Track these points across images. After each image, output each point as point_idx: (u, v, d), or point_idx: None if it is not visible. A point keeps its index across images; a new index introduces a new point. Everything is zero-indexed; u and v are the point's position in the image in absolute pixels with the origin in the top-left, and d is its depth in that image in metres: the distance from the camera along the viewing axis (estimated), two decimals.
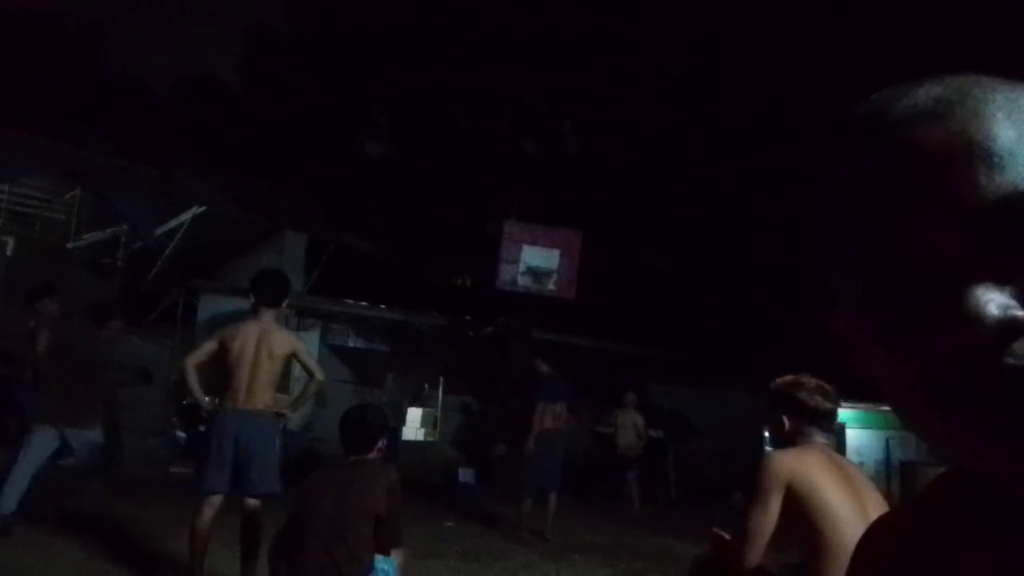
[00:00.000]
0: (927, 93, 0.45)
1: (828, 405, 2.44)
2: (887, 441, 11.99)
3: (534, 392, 7.51)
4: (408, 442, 11.71)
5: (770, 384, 2.57)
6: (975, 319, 0.39)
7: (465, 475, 9.34)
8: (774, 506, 2.20)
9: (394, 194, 11.20)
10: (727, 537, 2.41)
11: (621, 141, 9.89)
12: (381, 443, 3.40)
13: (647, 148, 9.81)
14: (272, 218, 11.42)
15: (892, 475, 10.10)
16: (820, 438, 2.41)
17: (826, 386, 2.49)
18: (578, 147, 10.19)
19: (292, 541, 3.14)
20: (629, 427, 9.20)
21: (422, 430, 11.83)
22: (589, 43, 8.15)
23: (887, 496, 2.48)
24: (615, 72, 8.76)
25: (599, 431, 9.77)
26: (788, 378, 2.57)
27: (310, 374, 4.55)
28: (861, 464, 3.82)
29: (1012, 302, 0.40)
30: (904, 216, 0.42)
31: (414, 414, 12.08)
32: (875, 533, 0.63)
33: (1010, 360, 0.39)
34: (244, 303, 11.52)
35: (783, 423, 2.47)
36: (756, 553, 2.20)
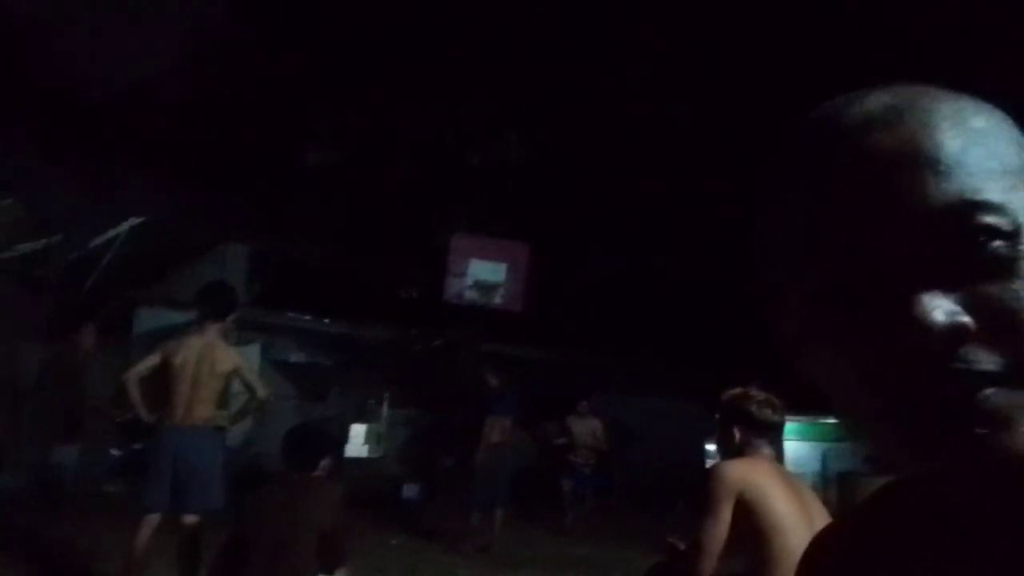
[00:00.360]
0: (878, 101, 0.45)
1: (776, 418, 2.51)
2: (824, 453, 12.26)
3: (483, 405, 7.49)
4: (352, 459, 11.54)
5: (721, 396, 2.63)
6: (922, 324, 0.40)
7: (410, 491, 9.26)
8: (725, 515, 2.24)
9: (339, 205, 11.07)
10: (682, 547, 2.44)
11: (567, 152, 9.97)
12: (326, 461, 3.35)
13: (593, 159, 9.90)
14: (213, 228, 11.17)
15: (829, 485, 10.33)
16: (767, 450, 2.48)
17: (774, 399, 2.56)
18: (524, 158, 10.23)
19: (234, 558, 3.06)
20: (586, 436, 9.03)
21: (366, 446, 11.69)
22: (534, 52, 8.20)
23: (824, 506, 2.55)
24: (560, 82, 8.83)
25: (556, 444, 9.53)
26: (738, 391, 2.64)
27: (252, 391, 4.47)
28: (799, 475, 3.92)
29: (958, 308, 0.40)
30: (854, 221, 0.43)
31: (358, 430, 11.93)
32: (820, 543, 0.64)
33: (956, 365, 0.40)
34: (183, 316, 11.24)
35: (733, 435, 2.53)
36: (710, 563, 2.23)
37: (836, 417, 0.48)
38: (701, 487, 2.37)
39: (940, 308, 0.40)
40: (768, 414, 2.51)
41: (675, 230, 10.65)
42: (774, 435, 2.53)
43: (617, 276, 11.84)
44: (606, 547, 7.31)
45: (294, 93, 9.37)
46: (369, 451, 11.81)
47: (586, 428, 9.06)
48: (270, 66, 8.40)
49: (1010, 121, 0.46)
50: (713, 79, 7.95)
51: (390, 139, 10.09)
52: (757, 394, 2.61)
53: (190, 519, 4.02)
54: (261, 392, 4.47)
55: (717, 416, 2.62)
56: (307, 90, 9.16)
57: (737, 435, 2.54)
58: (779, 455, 2.62)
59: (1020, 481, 0.44)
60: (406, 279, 12.15)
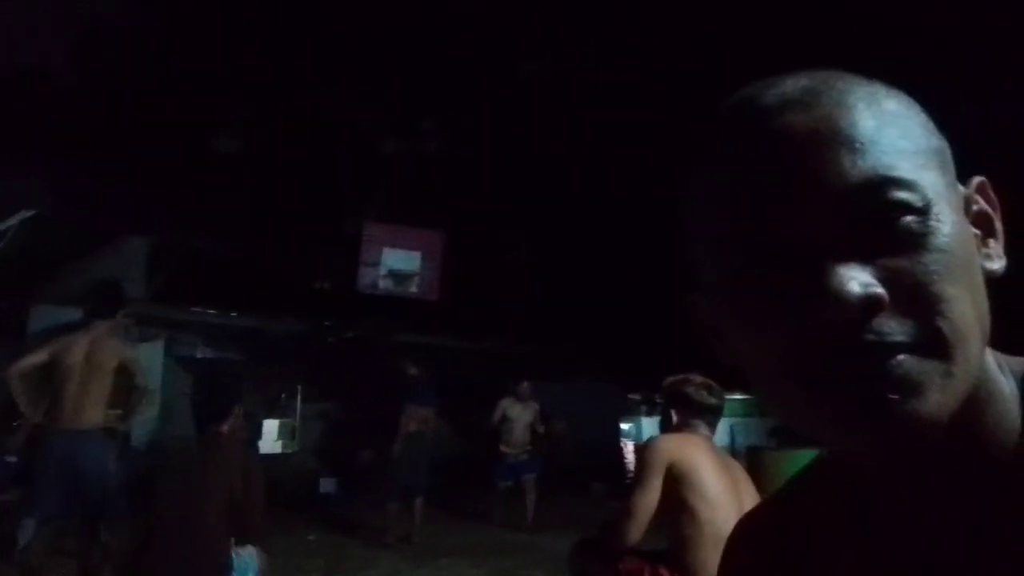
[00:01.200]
0: (795, 84, 0.47)
1: (713, 401, 2.62)
2: (731, 428, 12.75)
3: (400, 396, 7.45)
4: (266, 455, 11.26)
5: (663, 382, 2.75)
6: (838, 296, 0.41)
7: (327, 485, 9.11)
8: (656, 485, 2.33)
9: (246, 193, 10.72)
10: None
11: (482, 140, 9.94)
12: (237, 409, 3.24)
13: (507, 146, 9.91)
14: (111, 220, 10.65)
15: (738, 459, 10.73)
16: (703, 430, 2.59)
17: (712, 384, 2.68)
18: (439, 146, 10.15)
19: (146, 531, 2.94)
20: (525, 420, 8.23)
21: (280, 441, 11.43)
22: (447, 38, 8.13)
23: None
24: (474, 69, 8.79)
25: (489, 430, 9.07)
26: (679, 377, 2.75)
27: (134, 384, 4.31)
28: None
29: (872, 280, 0.42)
30: (771, 198, 0.44)
31: (271, 426, 11.64)
32: (745, 524, 0.66)
33: (869, 336, 0.41)
34: (80, 314, 10.70)
35: (671, 417, 2.65)
36: (637, 531, 2.31)
37: (753, 395, 0.49)
38: (636, 458, 2.45)
39: (855, 280, 0.41)
40: (704, 396, 2.63)
41: (586, 217, 10.80)
42: (711, 417, 2.65)
43: (531, 263, 11.92)
44: (526, 531, 7.38)
45: (197, 77, 9.01)
46: (283, 447, 11.54)
47: (527, 412, 8.20)
48: (172, 49, 8.05)
49: (918, 107, 0.49)
50: (629, 69, 8.06)
51: (299, 125, 9.84)
52: (695, 378, 2.73)
53: (91, 530, 3.84)
54: (142, 383, 4.30)
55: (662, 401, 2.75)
56: (211, 74, 8.82)
57: (675, 417, 2.65)
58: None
59: (934, 452, 0.47)
60: (317, 270, 11.89)
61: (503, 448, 7.84)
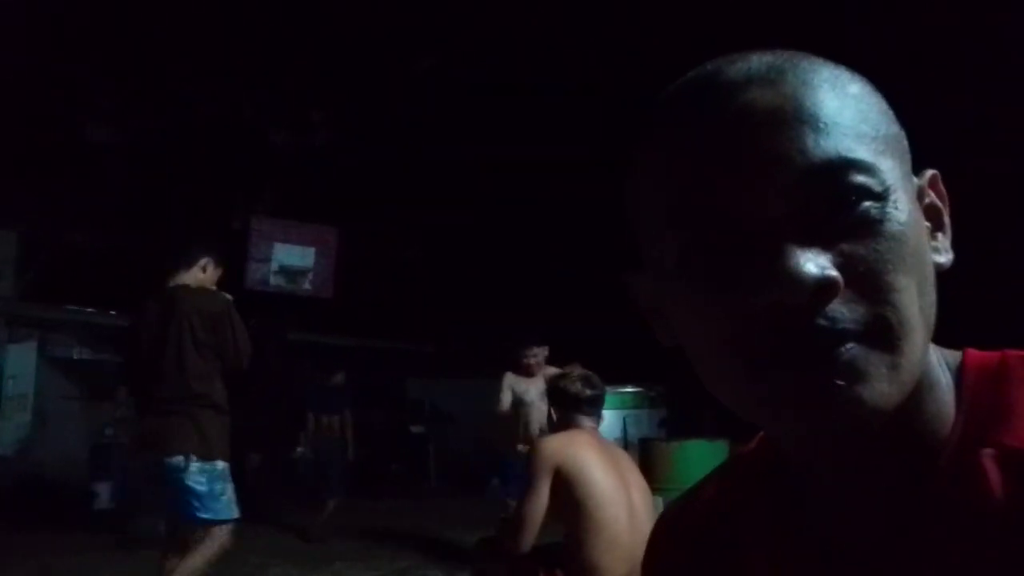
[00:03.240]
0: (760, 60, 0.46)
1: (589, 392, 2.63)
2: (624, 419, 13.07)
3: (304, 400, 7.29)
4: None
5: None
6: (791, 278, 0.40)
7: None
8: (544, 489, 2.33)
9: (125, 186, 10.17)
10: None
11: (375, 134, 9.80)
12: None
13: (399, 141, 9.81)
14: None
15: (630, 450, 11.01)
16: (587, 423, 2.60)
17: (591, 376, 2.69)
18: (330, 140, 9.92)
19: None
20: (536, 407, 6.96)
21: None
22: (337, 29, 7.96)
23: None
24: (364, 63, 8.66)
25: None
26: (557, 372, 2.76)
27: None
28: None
29: (827, 263, 0.41)
30: (729, 174, 0.43)
31: None
32: (669, 521, 0.65)
33: (820, 321, 0.41)
34: None
35: (552, 414, 2.67)
36: (529, 537, 2.31)
37: (699, 378, 0.48)
38: (525, 465, 2.45)
39: (812, 263, 0.40)
40: (580, 388, 2.61)
41: (479, 212, 10.83)
42: (591, 408, 2.64)
43: (425, 259, 11.86)
44: (424, 530, 7.34)
45: (69, 64, 8.49)
46: None
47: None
48: (41, 34, 7.53)
49: (880, 94, 0.48)
50: (523, 65, 8.11)
51: (182, 115, 9.41)
52: (573, 371, 2.74)
53: None
54: None
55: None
56: (83, 60, 8.32)
57: (556, 414, 2.66)
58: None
59: (877, 438, 0.46)
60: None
61: (520, 447, 5.49)
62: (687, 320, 0.46)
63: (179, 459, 3.12)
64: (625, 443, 11.91)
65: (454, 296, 12.03)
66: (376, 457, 9.04)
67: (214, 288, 3.41)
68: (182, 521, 3.18)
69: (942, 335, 0.50)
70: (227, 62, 8.37)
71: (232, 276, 10.65)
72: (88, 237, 10.68)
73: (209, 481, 3.15)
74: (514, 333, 5.36)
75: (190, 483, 3.10)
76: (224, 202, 10.31)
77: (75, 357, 11.13)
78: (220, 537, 3.19)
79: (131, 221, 10.51)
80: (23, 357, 10.58)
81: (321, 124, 9.77)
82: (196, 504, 3.12)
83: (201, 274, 3.42)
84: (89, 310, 10.81)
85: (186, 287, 3.35)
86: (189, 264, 3.39)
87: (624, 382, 12.86)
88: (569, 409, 2.62)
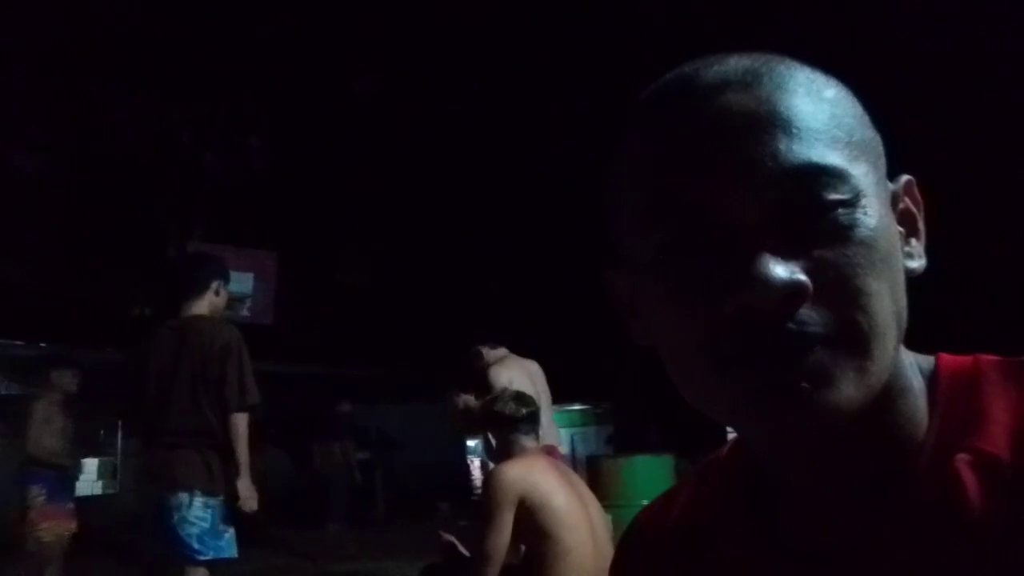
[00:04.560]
0: (737, 63, 0.46)
1: (524, 410, 2.58)
2: (572, 437, 13.11)
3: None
4: (85, 497, 10.32)
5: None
6: (762, 282, 0.40)
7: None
8: (507, 521, 2.25)
9: (56, 216, 9.84)
10: (458, 545, 2.44)
11: (312, 158, 9.70)
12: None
13: (339, 165, 9.73)
14: None
15: (578, 467, 11.04)
16: (528, 442, 2.55)
17: (522, 394, 2.65)
18: (268, 164, 9.78)
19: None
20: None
21: (99, 482, 10.53)
22: (270, 55, 7.87)
23: None
24: (301, 87, 8.59)
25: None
26: (487, 398, 2.70)
27: None
28: None
29: (797, 268, 0.41)
30: (703, 176, 0.43)
31: (89, 465, 10.71)
32: (635, 534, 0.64)
33: (791, 326, 0.41)
34: None
35: (490, 440, 2.59)
36: (494, 571, 2.24)
37: (670, 378, 0.48)
38: (482, 493, 2.38)
39: (782, 267, 0.41)
40: (513, 408, 2.57)
41: (419, 237, 10.80)
42: (527, 426, 2.59)
43: (367, 283, 11.74)
44: (372, 559, 7.21)
45: None
46: (104, 487, 10.64)
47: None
48: None
49: (855, 98, 0.48)
50: (460, 85, 8.13)
51: (114, 142, 9.16)
52: (503, 393, 2.70)
53: None
54: None
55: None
56: (10, 87, 8.05)
57: (494, 438, 2.60)
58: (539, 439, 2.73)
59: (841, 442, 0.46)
60: (136, 295, 11.12)
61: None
62: (659, 320, 0.47)
63: (184, 495, 3.02)
64: (573, 461, 11.94)
65: (397, 320, 11.93)
66: (320, 485, 8.86)
67: (224, 320, 3.32)
68: (178, 558, 3.04)
69: (916, 340, 0.50)
70: (161, 86, 8.20)
71: (167, 305, 10.40)
72: (13, 269, 10.30)
73: (212, 517, 3.05)
74: (459, 353, 5.24)
75: (192, 519, 3.00)
76: (159, 229, 10.07)
77: (2, 393, 10.69)
78: None
79: (62, 251, 10.18)
80: None
81: (259, 149, 9.62)
82: (196, 546, 3.01)
83: (215, 298, 3.30)
84: (17, 343, 10.41)
85: (199, 318, 3.23)
86: (201, 290, 3.27)
87: (571, 400, 12.94)
88: (507, 431, 2.57)
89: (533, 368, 4.26)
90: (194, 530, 3.01)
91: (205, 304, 3.27)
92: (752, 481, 0.55)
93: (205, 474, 3.06)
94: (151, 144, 9.26)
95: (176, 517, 3.01)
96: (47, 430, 4.72)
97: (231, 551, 3.14)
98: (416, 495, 10.24)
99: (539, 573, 2.26)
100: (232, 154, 9.64)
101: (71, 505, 4.86)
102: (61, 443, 4.81)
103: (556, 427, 4.57)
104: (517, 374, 3.99)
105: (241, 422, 3.09)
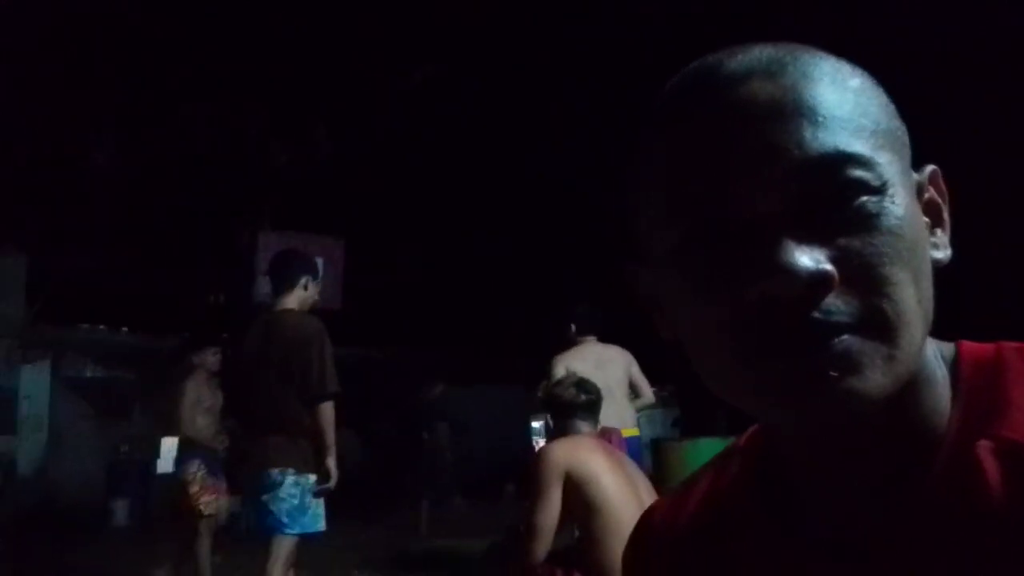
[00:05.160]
0: (761, 52, 0.46)
1: (584, 397, 2.62)
2: (637, 420, 13.04)
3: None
4: (165, 475, 10.75)
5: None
6: (787, 270, 0.40)
7: (236, 504, 8.80)
8: (555, 497, 2.31)
9: (131, 208, 10.23)
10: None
11: (375, 146, 9.83)
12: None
13: (400, 153, 9.84)
14: None
15: (643, 451, 11.00)
16: (585, 428, 2.59)
17: (585, 381, 2.68)
18: (332, 154, 9.97)
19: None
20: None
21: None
22: (339, 46, 7.99)
23: (640, 469, 2.70)
24: (363, 77, 8.70)
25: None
26: (552, 380, 2.75)
27: None
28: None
29: (823, 257, 0.41)
30: (730, 166, 0.43)
31: (169, 443, 11.14)
32: (652, 519, 0.64)
33: (816, 315, 0.41)
34: None
35: (549, 422, 2.65)
36: (544, 546, 2.29)
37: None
38: (530, 474, 2.42)
39: (807, 256, 0.41)
40: (573, 394, 2.61)
41: (485, 221, 10.84)
42: (587, 414, 2.62)
43: (432, 269, 11.87)
44: (441, 538, 7.36)
45: (69, 86, 8.55)
46: None
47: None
48: (42, 58, 7.59)
49: (880, 88, 0.48)
50: (521, 73, 8.13)
51: (186, 136, 9.47)
52: (567, 378, 2.73)
53: None
54: None
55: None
56: (83, 83, 8.38)
57: (552, 421, 2.65)
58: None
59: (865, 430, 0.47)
60: (211, 283, 11.48)
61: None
62: (683, 310, 0.47)
63: (276, 473, 3.27)
64: (639, 443, 11.88)
65: (463, 303, 12.05)
66: (392, 466, 9.08)
67: (310, 313, 3.50)
68: (269, 535, 3.30)
69: (941, 329, 0.50)
70: (229, 80, 8.42)
71: (241, 291, 10.74)
72: (96, 259, 10.76)
73: (302, 494, 3.28)
74: (527, 336, 5.39)
75: (284, 495, 3.25)
76: (229, 219, 10.37)
77: (88, 376, 11.20)
78: (292, 551, 3.32)
79: (138, 241, 10.57)
80: (37, 378, 10.64)
81: (324, 139, 9.80)
82: (285, 520, 3.25)
83: (303, 292, 3.50)
84: (101, 328, 10.87)
85: (286, 312, 3.44)
86: (292, 286, 3.47)
87: None
88: (564, 416, 2.61)
89: (609, 354, 4.31)
90: (285, 505, 3.24)
91: (295, 299, 3.46)
92: (771, 469, 0.54)
93: (296, 455, 3.28)
94: (221, 136, 9.53)
95: (270, 494, 3.25)
96: (198, 411, 5.00)
97: (318, 526, 3.35)
98: (483, 476, 10.36)
99: (591, 549, 2.29)
100: (297, 144, 9.85)
101: (224, 483, 5.13)
102: (211, 422, 5.09)
103: (632, 411, 4.59)
104: (579, 364, 3.99)
105: (325, 409, 3.28)
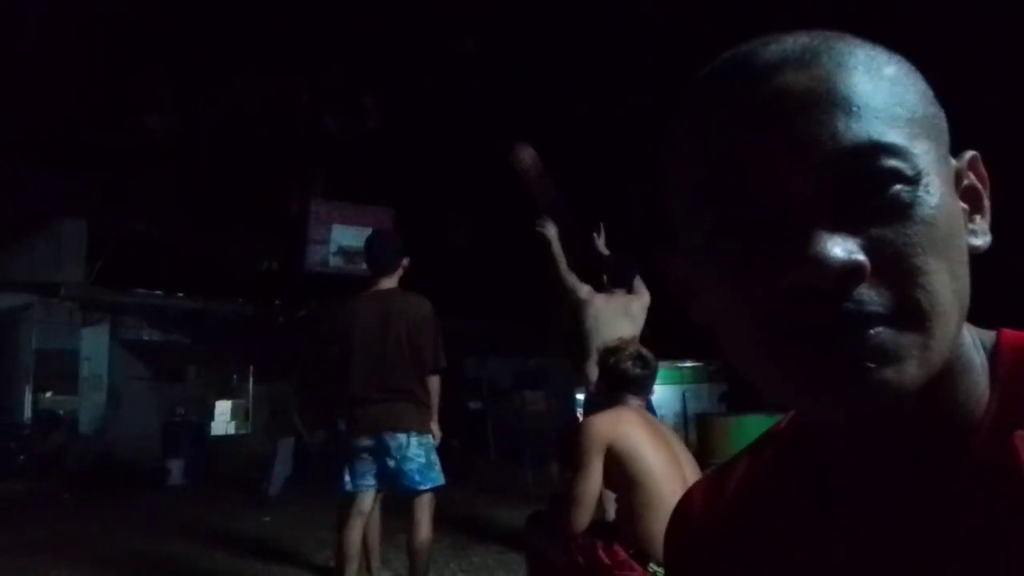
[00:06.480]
0: (795, 42, 0.46)
1: (639, 371, 2.58)
2: (683, 394, 13.00)
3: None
4: (218, 437, 11.11)
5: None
6: (819, 261, 0.40)
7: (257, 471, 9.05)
8: (597, 468, 2.31)
9: (185, 174, 10.45)
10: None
11: (423, 117, 9.85)
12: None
13: (447, 123, 9.84)
14: (45, 204, 10.31)
15: (688, 425, 10.98)
16: (634, 401, 2.56)
17: (644, 353, 2.63)
18: (382, 123, 10.01)
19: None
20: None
21: (232, 423, 11.29)
22: (388, 14, 8.00)
23: (685, 444, 2.67)
24: (412, 47, 8.69)
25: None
26: (610, 347, 2.71)
27: None
28: (661, 417, 4.14)
29: (855, 247, 0.41)
30: (760, 155, 0.43)
31: (223, 407, 11.50)
32: (693, 497, 0.64)
33: (848, 305, 0.41)
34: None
35: (601, 388, 2.62)
36: (585, 517, 2.31)
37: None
38: (571, 444, 2.43)
39: (840, 246, 0.40)
40: (629, 367, 2.57)
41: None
42: (638, 388, 2.59)
43: (477, 238, 11.90)
44: (486, 503, 7.45)
45: (126, 54, 8.72)
46: (236, 427, 11.42)
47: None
48: (98, 30, 7.74)
49: (918, 74, 0.47)
50: (572, 46, 8.03)
51: (239, 104, 9.60)
52: (626, 348, 2.69)
53: None
54: None
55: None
56: (141, 54, 8.53)
57: (603, 388, 2.63)
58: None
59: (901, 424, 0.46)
60: (263, 250, 11.70)
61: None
62: (716, 299, 0.47)
63: (402, 436, 3.56)
64: (684, 418, 11.85)
65: (506, 276, 12.07)
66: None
67: (421, 296, 3.80)
68: (403, 491, 3.60)
69: (979, 316, 0.49)
70: (281, 51, 8.49)
71: (292, 259, 10.90)
72: (151, 224, 11.04)
73: (426, 453, 3.60)
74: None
75: (411, 455, 3.55)
76: (281, 188, 10.52)
77: (145, 339, 11.58)
78: (433, 501, 3.65)
79: (194, 208, 10.80)
80: (97, 339, 11.02)
81: (374, 108, 9.85)
82: (416, 477, 3.55)
83: (401, 272, 3.80)
84: (157, 293, 11.18)
85: (400, 292, 3.77)
86: (395, 267, 3.76)
87: (684, 357, 12.77)
88: (616, 387, 2.58)
89: (634, 309, 4.54)
90: (414, 465, 3.56)
91: (396, 278, 3.76)
92: (806, 454, 0.54)
93: (417, 419, 3.63)
94: (273, 106, 9.63)
95: (400, 455, 3.56)
96: None
97: (440, 479, 3.66)
98: (527, 444, 10.45)
99: (632, 522, 2.29)
100: (349, 115, 9.91)
101: None
102: None
103: None
104: (606, 309, 4.44)
105: (435, 381, 3.71)
